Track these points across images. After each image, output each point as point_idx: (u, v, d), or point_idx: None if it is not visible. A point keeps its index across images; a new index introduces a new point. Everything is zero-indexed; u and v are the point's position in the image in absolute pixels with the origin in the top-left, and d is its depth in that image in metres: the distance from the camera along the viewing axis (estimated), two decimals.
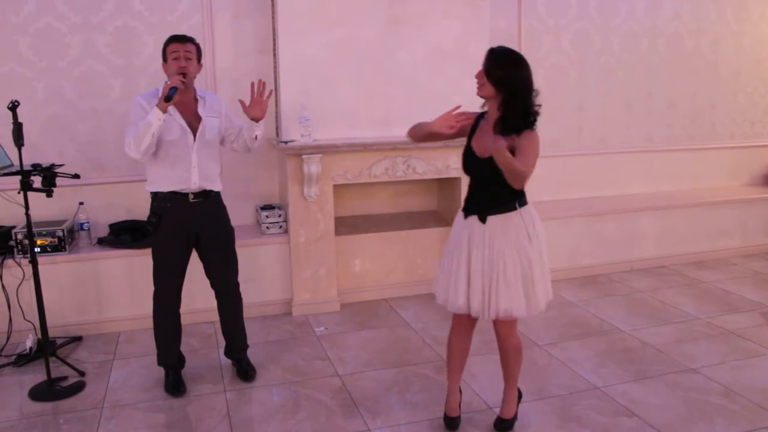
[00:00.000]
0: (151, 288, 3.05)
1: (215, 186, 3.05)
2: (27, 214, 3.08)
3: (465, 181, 4.23)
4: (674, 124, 5.52)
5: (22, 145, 2.97)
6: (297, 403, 2.95)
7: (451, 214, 4.47)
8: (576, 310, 4.10)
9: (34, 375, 3.20)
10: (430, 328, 3.84)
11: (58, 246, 3.67)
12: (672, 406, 2.87)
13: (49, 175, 3.03)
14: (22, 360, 3.34)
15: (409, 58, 4.19)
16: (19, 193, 3.03)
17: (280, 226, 4.12)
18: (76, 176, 3.14)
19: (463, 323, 2.62)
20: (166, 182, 2.93)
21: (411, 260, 4.40)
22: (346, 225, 4.36)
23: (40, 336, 3.22)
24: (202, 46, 4.02)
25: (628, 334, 3.71)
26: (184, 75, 2.84)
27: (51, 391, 3.03)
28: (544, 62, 4.91)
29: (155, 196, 2.97)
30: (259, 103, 2.98)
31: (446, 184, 4.50)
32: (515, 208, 2.45)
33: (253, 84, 2.99)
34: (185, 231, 2.98)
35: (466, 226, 2.53)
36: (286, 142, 3.91)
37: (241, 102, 3.00)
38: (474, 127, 2.52)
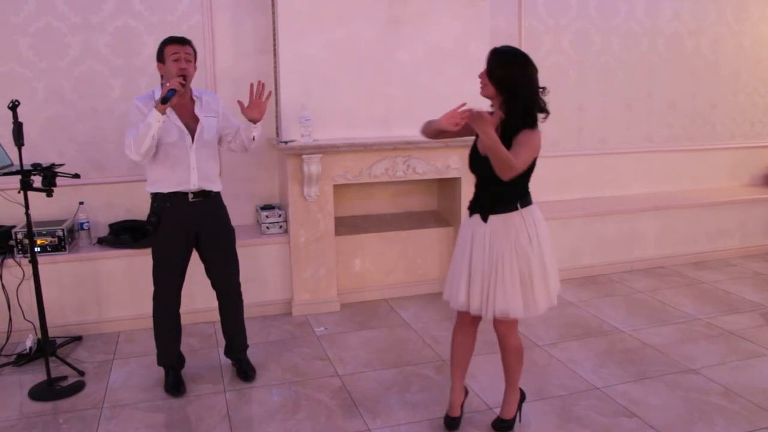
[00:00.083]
0: (151, 288, 3.05)
1: (215, 186, 3.05)
2: (27, 214, 3.08)
3: (465, 181, 4.30)
4: (674, 125, 5.52)
5: (22, 144, 2.97)
6: (297, 403, 2.95)
7: (451, 214, 4.47)
8: (576, 310, 4.10)
9: (34, 375, 3.20)
10: (430, 328, 3.84)
11: (58, 246, 3.67)
12: (672, 407, 2.87)
13: (49, 175, 3.03)
14: (22, 360, 3.33)
15: (409, 58, 4.19)
16: (19, 192, 3.03)
17: (280, 226, 4.12)
18: (76, 176, 3.14)
19: (466, 320, 2.62)
20: (166, 183, 2.93)
21: (411, 260, 4.40)
22: (346, 225, 4.36)
23: (40, 336, 3.22)
24: (202, 46, 4.05)
25: (628, 335, 3.71)
26: (184, 78, 2.84)
27: (51, 391, 3.03)
28: (544, 62, 4.91)
29: (155, 196, 2.97)
30: (257, 104, 2.97)
31: (446, 184, 4.50)
32: (516, 209, 2.44)
33: (252, 85, 2.99)
34: (185, 231, 2.98)
35: (470, 224, 2.54)
36: (286, 142, 3.91)
37: (240, 103, 3.00)
38: None
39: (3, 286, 3.51)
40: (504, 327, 2.55)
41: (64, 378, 3.16)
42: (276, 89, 4.14)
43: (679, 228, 5.11)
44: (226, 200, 3.16)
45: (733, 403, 2.90)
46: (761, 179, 5.88)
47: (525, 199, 2.48)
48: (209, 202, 3.03)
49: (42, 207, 3.63)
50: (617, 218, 4.90)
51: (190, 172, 2.93)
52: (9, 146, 3.11)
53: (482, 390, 3.02)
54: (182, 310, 3.13)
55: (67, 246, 3.69)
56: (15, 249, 3.58)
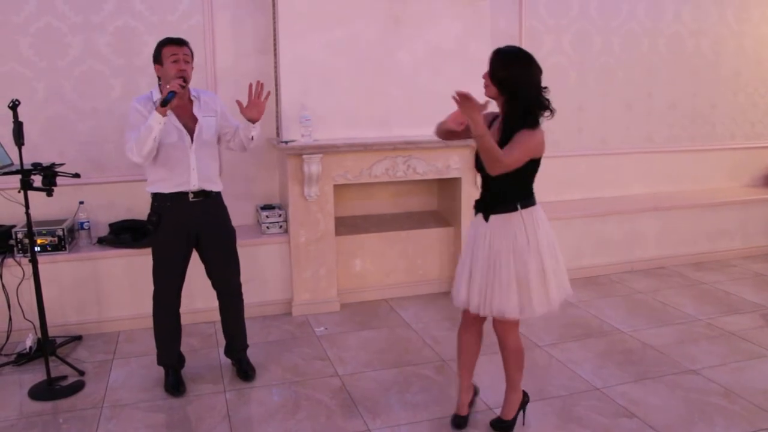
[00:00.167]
0: (151, 287, 3.05)
1: (215, 186, 3.05)
2: (27, 213, 3.08)
3: (465, 182, 4.30)
4: (674, 125, 5.52)
5: (23, 144, 2.97)
6: (297, 403, 2.95)
7: (452, 215, 4.47)
8: (576, 310, 4.09)
9: (34, 374, 3.20)
10: (431, 328, 3.84)
11: (58, 245, 3.67)
12: (672, 407, 2.87)
13: (49, 175, 3.03)
14: (22, 359, 3.33)
15: (410, 58, 4.19)
16: (19, 192, 3.03)
17: (281, 226, 4.12)
18: (77, 175, 3.14)
19: (469, 318, 2.62)
20: (167, 184, 2.93)
21: (411, 260, 4.40)
22: (346, 225, 4.36)
23: (39, 335, 3.22)
24: (202, 46, 4.05)
25: (629, 335, 3.70)
26: (184, 80, 2.84)
27: (51, 391, 3.02)
28: (544, 63, 4.78)
29: (155, 196, 2.97)
30: (256, 104, 2.97)
31: (446, 184, 4.49)
32: (516, 209, 2.44)
33: (251, 85, 2.98)
34: (185, 230, 2.98)
35: (474, 223, 2.56)
36: (286, 142, 3.91)
37: (239, 103, 2.99)
38: (490, 127, 2.53)
39: (3, 285, 3.51)
40: (502, 327, 2.54)
41: (64, 378, 3.16)
42: (276, 89, 4.14)
43: (680, 228, 5.11)
44: (227, 200, 3.16)
45: (733, 403, 2.90)
46: (761, 180, 5.88)
47: (527, 200, 2.47)
48: (210, 202, 3.02)
49: (42, 206, 3.63)
50: (617, 219, 4.90)
51: (190, 173, 2.93)
52: (9, 146, 3.11)
53: (483, 390, 3.00)
54: (182, 310, 3.13)
55: (67, 245, 3.69)
56: (15, 248, 3.58)
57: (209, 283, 3.16)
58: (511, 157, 2.29)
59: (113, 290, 3.79)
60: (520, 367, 2.63)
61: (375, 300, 4.31)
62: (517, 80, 2.34)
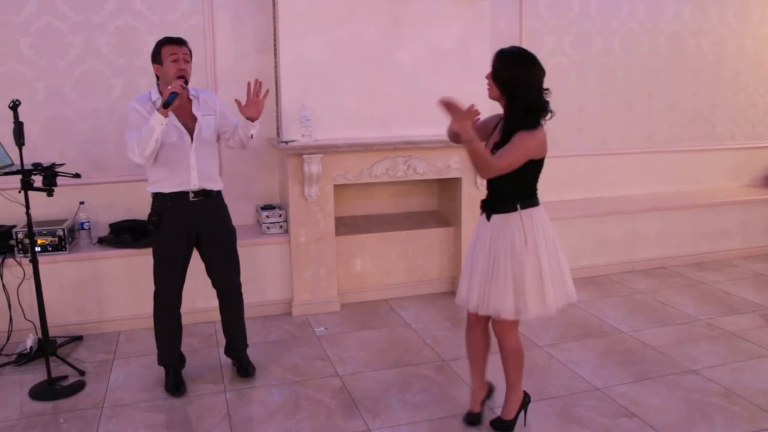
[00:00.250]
0: (152, 287, 3.05)
1: (215, 185, 3.05)
2: (28, 214, 3.08)
3: (465, 182, 4.30)
4: (675, 125, 5.52)
5: (23, 144, 2.97)
6: (297, 403, 2.95)
7: (452, 215, 4.47)
8: (576, 310, 4.09)
9: (35, 374, 3.20)
10: (431, 328, 3.84)
11: (59, 245, 3.67)
12: (672, 407, 2.87)
13: (49, 175, 3.03)
14: (23, 359, 3.33)
15: (410, 58, 4.19)
16: (19, 192, 3.03)
17: (281, 226, 4.12)
18: (77, 176, 3.14)
19: (473, 318, 2.63)
20: (167, 184, 2.93)
21: (411, 260, 4.40)
22: (346, 225, 4.36)
23: (40, 335, 3.23)
24: (202, 46, 4.05)
25: (629, 335, 3.70)
26: (185, 80, 2.83)
27: (51, 391, 3.03)
28: (545, 63, 4.74)
29: (156, 196, 2.97)
30: (255, 103, 2.97)
31: (447, 184, 4.49)
32: (515, 209, 2.44)
33: (249, 84, 2.98)
34: (186, 230, 2.98)
35: (479, 223, 2.58)
36: (286, 142, 3.91)
37: (237, 102, 3.00)
38: (495, 129, 2.53)
39: (4, 285, 3.51)
40: (500, 327, 2.54)
41: (65, 378, 3.16)
42: (276, 89, 4.15)
43: (680, 229, 5.11)
44: (227, 200, 3.16)
45: (733, 403, 2.90)
46: (762, 180, 5.85)
47: (528, 201, 2.46)
48: (210, 201, 3.03)
49: (42, 207, 3.63)
50: (618, 219, 4.90)
51: (191, 172, 2.93)
52: (10, 146, 3.11)
53: None
54: (182, 310, 3.13)
55: (67, 246, 3.69)
56: (15, 248, 3.58)
57: (209, 282, 3.16)
58: (502, 162, 2.30)
59: (114, 290, 3.79)
60: (519, 367, 2.62)
61: (375, 300, 4.31)
62: (519, 81, 2.34)
